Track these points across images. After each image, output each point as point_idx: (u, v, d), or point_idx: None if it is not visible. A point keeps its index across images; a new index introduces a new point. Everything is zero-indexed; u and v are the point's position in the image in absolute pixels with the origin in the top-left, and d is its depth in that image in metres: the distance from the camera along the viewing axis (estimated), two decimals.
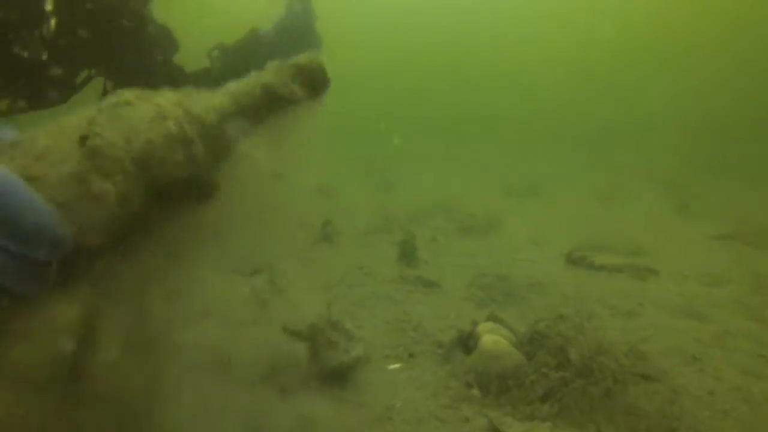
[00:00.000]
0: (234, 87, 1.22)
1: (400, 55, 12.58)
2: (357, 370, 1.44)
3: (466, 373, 1.42)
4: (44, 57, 1.82)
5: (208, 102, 1.17)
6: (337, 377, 1.42)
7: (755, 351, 1.61)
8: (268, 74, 1.29)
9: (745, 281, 2.24)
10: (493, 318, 1.74)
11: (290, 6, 2.35)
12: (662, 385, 1.32)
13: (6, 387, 0.85)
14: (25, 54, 1.85)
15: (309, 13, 2.30)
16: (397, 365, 1.56)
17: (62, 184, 0.89)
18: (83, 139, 0.96)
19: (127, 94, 1.03)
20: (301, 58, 1.36)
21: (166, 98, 1.08)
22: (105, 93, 1.78)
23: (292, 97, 1.35)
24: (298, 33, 2.27)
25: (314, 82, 1.45)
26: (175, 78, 2.30)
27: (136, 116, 1.02)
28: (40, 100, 1.89)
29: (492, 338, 1.50)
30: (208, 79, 2.52)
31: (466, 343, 1.56)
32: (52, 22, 1.39)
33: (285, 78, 1.30)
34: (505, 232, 3.11)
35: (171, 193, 1.03)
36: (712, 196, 4.59)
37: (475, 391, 1.40)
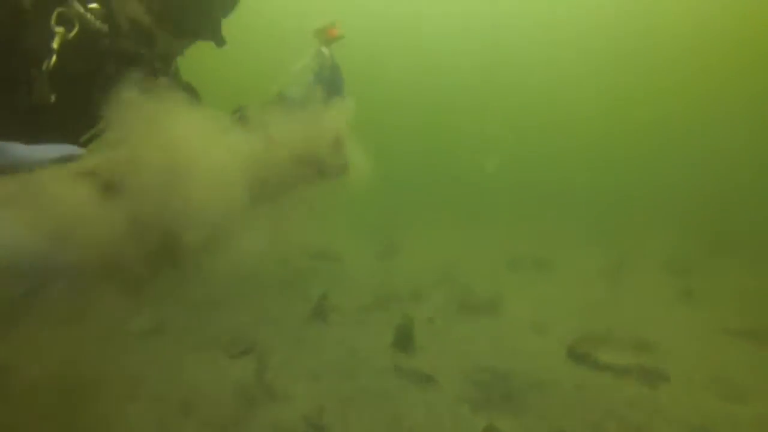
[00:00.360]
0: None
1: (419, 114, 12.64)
2: None
3: None
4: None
5: None
6: None
7: None
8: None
9: (765, 397, 2.10)
10: (490, 430, 1.63)
11: (319, 71, 2.35)
12: None
13: None
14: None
15: (338, 79, 2.29)
16: None
17: None
18: None
19: None
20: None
21: None
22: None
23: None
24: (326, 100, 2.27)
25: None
26: None
27: None
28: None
29: None
30: None
31: None
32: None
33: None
34: (507, 313, 3.01)
35: None
36: (721, 279, 4.50)
37: None
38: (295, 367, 2.06)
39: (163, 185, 0.95)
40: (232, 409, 1.69)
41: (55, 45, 1.20)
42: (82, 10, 1.23)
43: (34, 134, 0.98)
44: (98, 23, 1.26)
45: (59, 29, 1.18)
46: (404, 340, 2.33)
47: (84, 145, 1.10)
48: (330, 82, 2.43)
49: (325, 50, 2.39)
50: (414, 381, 2.02)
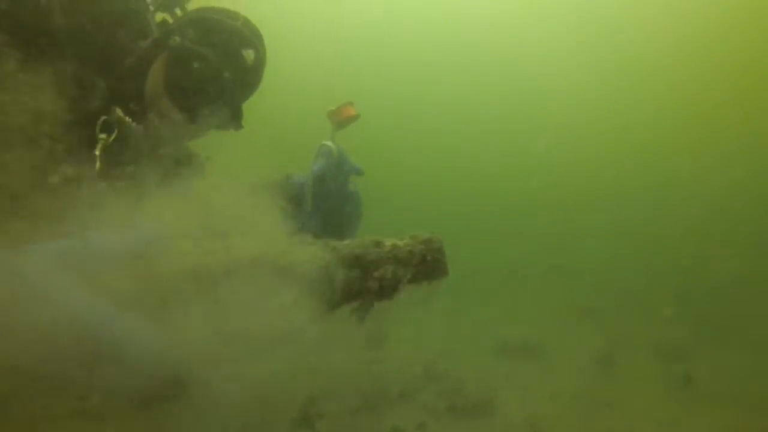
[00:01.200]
0: None
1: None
2: None
3: None
4: None
5: None
6: None
7: None
8: None
9: None
10: None
11: (328, 156, 2.31)
12: None
13: None
14: None
15: (346, 167, 2.25)
16: None
17: None
18: None
19: None
20: None
21: None
22: None
23: None
24: (335, 186, 2.23)
25: None
26: None
27: None
28: None
29: None
30: None
31: None
32: None
33: None
34: (500, 412, 2.89)
35: None
36: (720, 369, 4.41)
37: None
38: None
39: None
40: None
41: (97, 152, 1.29)
42: (121, 114, 1.36)
43: None
44: (134, 125, 1.37)
45: (102, 136, 1.29)
46: None
47: None
48: (338, 173, 2.42)
49: (329, 144, 2.36)
50: None
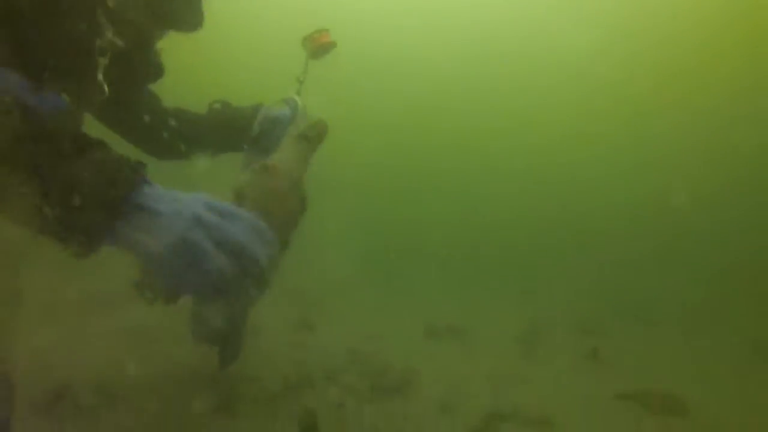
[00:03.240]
0: None
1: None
2: None
3: None
4: None
5: None
6: None
7: None
8: None
9: None
10: None
11: (292, 109, 2.29)
12: None
13: None
14: None
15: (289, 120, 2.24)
16: None
17: None
18: None
19: None
20: None
21: None
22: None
23: None
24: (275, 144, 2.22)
25: None
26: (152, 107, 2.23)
27: None
28: None
29: None
30: (193, 123, 2.45)
31: None
32: None
33: None
34: (417, 391, 3.03)
35: None
36: (627, 342, 4.81)
37: None
38: None
39: None
40: None
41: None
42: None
43: None
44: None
45: None
46: None
47: None
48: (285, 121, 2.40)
49: (297, 99, 2.34)
50: None
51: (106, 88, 1.39)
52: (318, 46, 2.21)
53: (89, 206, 0.93)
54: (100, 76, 1.37)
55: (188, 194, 1.06)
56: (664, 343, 4.82)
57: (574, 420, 2.76)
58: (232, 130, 2.38)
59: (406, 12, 13.70)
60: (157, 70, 1.81)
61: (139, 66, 1.67)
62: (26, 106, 0.91)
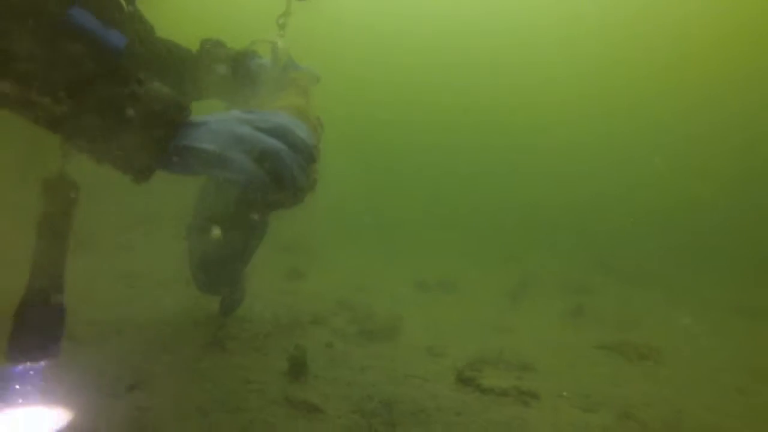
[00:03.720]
0: None
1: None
2: None
3: None
4: None
5: None
6: None
7: None
8: None
9: (614, 405, 2.35)
10: None
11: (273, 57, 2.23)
12: None
13: None
14: None
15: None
16: None
17: None
18: None
19: None
20: None
21: None
22: None
23: None
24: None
25: None
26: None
27: None
28: None
29: None
30: (185, 60, 2.43)
31: None
32: None
33: None
34: (405, 336, 3.12)
35: None
36: (611, 297, 4.94)
37: None
38: (183, 403, 2.03)
39: None
40: None
41: None
42: None
43: None
44: None
45: None
46: (298, 369, 2.36)
47: None
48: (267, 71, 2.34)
49: (281, 46, 2.22)
50: (302, 412, 2.06)
51: (124, 2, 1.40)
52: None
53: (144, 139, 0.99)
54: None
55: (232, 119, 1.11)
56: (648, 302, 4.94)
57: (554, 366, 2.86)
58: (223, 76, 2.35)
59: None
60: None
61: None
62: (100, 41, 0.95)
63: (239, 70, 2.25)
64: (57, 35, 0.90)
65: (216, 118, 1.11)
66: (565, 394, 2.48)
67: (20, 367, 1.15)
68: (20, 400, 1.18)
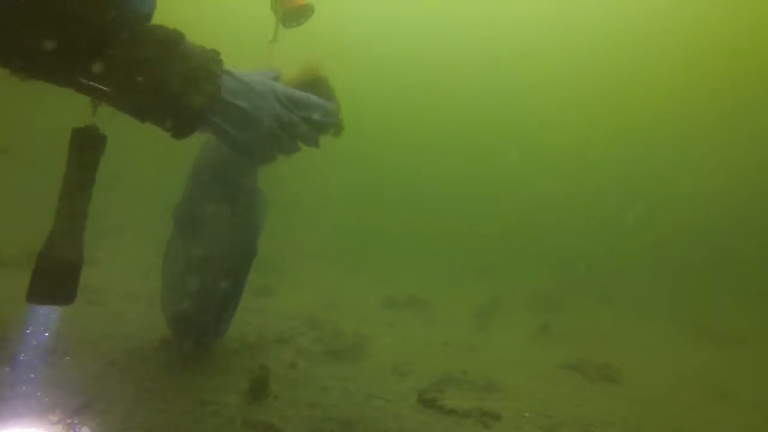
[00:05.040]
0: None
1: None
2: None
3: None
4: None
5: None
6: None
7: None
8: None
9: (575, 425, 2.39)
10: None
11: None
12: None
13: None
14: None
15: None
16: None
17: None
18: None
19: None
20: None
21: None
22: None
23: None
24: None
25: None
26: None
27: None
28: None
29: None
30: None
31: None
32: None
33: None
34: (370, 356, 3.12)
35: None
36: (577, 316, 5.02)
37: None
38: (130, 425, 1.98)
39: None
40: None
41: None
42: None
43: None
44: None
45: None
46: (258, 389, 2.33)
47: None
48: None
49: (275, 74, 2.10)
50: None
51: None
52: (291, 10, 1.98)
53: (183, 95, 1.01)
54: None
55: (262, 83, 1.19)
56: (613, 321, 5.04)
57: (518, 386, 2.88)
58: None
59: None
60: None
61: None
62: (128, 3, 0.95)
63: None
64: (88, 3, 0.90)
65: (253, 80, 1.19)
66: (527, 414, 2.51)
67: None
68: None
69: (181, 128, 1.07)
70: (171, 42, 1.02)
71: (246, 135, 1.15)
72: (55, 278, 1.15)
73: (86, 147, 1.12)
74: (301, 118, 1.24)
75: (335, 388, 2.57)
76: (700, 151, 12.14)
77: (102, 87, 0.97)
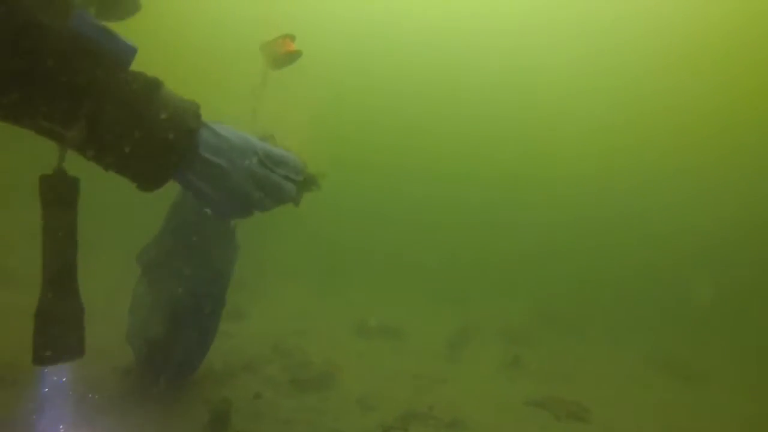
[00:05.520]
0: None
1: None
2: None
3: None
4: None
5: None
6: None
7: None
8: None
9: None
10: None
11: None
12: None
13: None
14: None
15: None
16: None
17: None
18: None
19: None
20: None
21: None
22: None
23: None
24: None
25: None
26: None
27: None
28: None
29: None
30: None
31: None
32: None
33: None
34: (338, 387, 3.07)
35: None
36: (547, 348, 5.04)
37: None
38: None
39: None
40: None
41: None
42: None
43: None
44: None
45: None
46: (219, 422, 2.28)
47: None
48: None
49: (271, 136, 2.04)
50: None
51: None
52: (279, 56, 2.00)
53: (155, 150, 0.96)
54: None
55: (241, 139, 1.13)
56: (583, 355, 5.07)
57: (484, 423, 2.87)
58: None
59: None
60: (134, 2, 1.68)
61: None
62: (105, 50, 0.91)
63: None
64: (58, 49, 0.85)
65: (233, 135, 1.12)
66: None
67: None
68: None
69: (148, 183, 1.01)
70: (149, 91, 0.97)
71: (221, 193, 1.09)
72: (57, 334, 1.11)
73: (59, 195, 1.07)
74: (282, 177, 1.18)
75: (300, 422, 2.53)
76: (680, 188, 12.44)
77: (66, 133, 0.91)
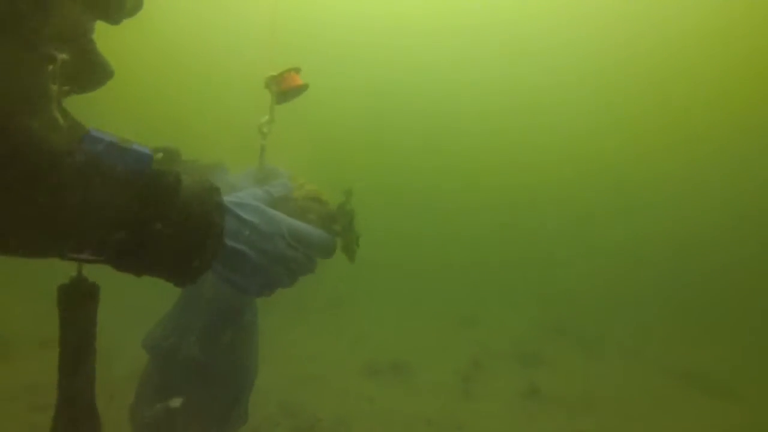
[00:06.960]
0: None
1: None
2: None
3: None
4: None
5: None
6: None
7: None
8: None
9: None
10: None
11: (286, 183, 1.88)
12: None
13: None
14: None
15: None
16: None
17: None
18: None
19: None
20: None
21: None
22: None
23: None
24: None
25: None
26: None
27: None
28: None
29: None
30: None
31: None
32: None
33: None
34: None
35: None
36: (563, 375, 4.84)
37: None
38: None
39: None
40: None
41: None
42: None
43: None
44: None
45: None
46: None
47: None
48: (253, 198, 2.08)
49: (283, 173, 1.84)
50: None
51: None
52: (286, 90, 1.94)
53: (183, 256, 0.92)
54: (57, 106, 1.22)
55: (265, 219, 1.10)
56: (603, 374, 4.87)
57: None
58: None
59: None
60: (105, 70, 1.56)
61: (87, 72, 1.45)
62: (122, 171, 0.87)
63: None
64: (79, 184, 0.80)
65: (259, 218, 1.09)
66: None
67: None
68: None
69: (181, 282, 0.97)
70: (172, 193, 0.91)
71: (246, 278, 1.06)
72: None
73: (78, 305, 1.01)
74: (305, 255, 1.16)
75: None
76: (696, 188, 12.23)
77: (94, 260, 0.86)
